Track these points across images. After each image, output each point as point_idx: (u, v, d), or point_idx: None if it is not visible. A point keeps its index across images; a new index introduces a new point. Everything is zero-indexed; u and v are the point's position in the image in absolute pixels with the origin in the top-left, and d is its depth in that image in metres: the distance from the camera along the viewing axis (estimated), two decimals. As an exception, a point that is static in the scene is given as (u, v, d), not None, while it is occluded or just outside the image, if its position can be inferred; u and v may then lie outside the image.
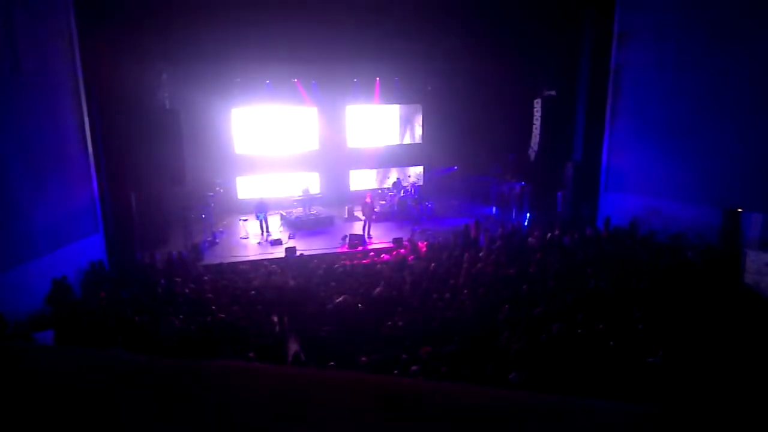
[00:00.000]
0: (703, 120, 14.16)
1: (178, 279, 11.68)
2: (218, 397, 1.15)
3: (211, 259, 15.06)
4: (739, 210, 13.57)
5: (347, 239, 16.30)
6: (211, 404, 1.13)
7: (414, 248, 14.89)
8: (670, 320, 9.21)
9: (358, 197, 19.40)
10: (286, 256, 14.71)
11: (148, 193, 15.42)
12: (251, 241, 17.03)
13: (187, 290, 11.16)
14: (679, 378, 7.28)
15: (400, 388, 1.21)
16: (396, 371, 7.87)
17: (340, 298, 10.58)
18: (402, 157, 22.81)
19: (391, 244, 15.73)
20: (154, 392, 1.20)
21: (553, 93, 18.63)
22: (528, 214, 18.56)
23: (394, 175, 21.65)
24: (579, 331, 8.90)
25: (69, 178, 12.91)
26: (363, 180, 22.56)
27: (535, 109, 19.06)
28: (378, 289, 11.02)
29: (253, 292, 11.47)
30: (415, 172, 23.13)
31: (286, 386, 1.22)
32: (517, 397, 1.18)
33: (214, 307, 10.22)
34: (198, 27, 15.32)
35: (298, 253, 14.79)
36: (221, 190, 18.67)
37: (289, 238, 17.26)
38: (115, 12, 13.69)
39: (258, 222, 17.46)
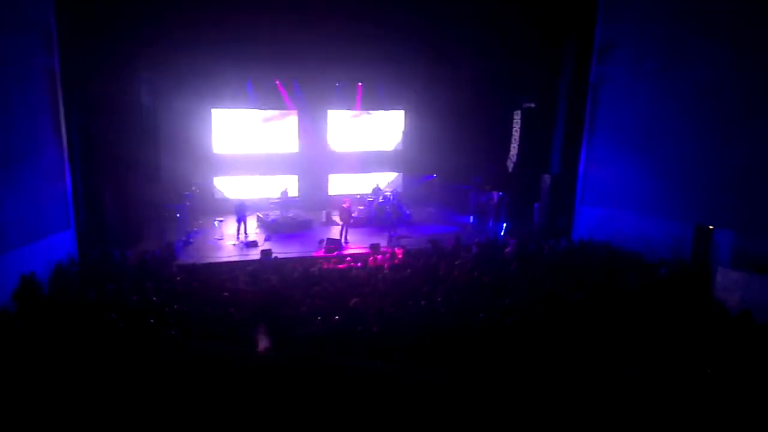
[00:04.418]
0: (679, 136, 14.40)
1: (149, 284, 11.42)
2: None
3: (185, 259, 14.86)
4: (710, 227, 13.81)
5: (324, 243, 16.23)
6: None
7: (391, 254, 14.87)
8: (640, 334, 9.32)
9: (337, 202, 19.34)
10: (261, 258, 14.58)
11: (122, 191, 15.18)
12: (226, 242, 16.85)
13: (155, 295, 10.93)
14: (645, 391, 7.37)
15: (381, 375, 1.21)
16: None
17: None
18: (382, 163, 22.83)
19: (368, 250, 15.69)
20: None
21: (532, 105, 18.82)
22: (505, 224, 18.68)
23: (373, 181, 21.62)
24: (550, 341, 8.96)
25: (41, 172, 12.60)
26: (342, 184, 22.51)
27: (514, 121, 19.23)
28: (354, 300, 10.92)
29: (226, 293, 11.32)
30: (395, 179, 23.15)
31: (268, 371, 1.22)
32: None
33: (185, 309, 10.06)
34: (179, 25, 15.19)
35: (273, 255, 14.67)
36: (197, 190, 18.43)
37: (265, 240, 17.11)
38: (95, 7, 13.50)
39: (236, 224, 17.21)
